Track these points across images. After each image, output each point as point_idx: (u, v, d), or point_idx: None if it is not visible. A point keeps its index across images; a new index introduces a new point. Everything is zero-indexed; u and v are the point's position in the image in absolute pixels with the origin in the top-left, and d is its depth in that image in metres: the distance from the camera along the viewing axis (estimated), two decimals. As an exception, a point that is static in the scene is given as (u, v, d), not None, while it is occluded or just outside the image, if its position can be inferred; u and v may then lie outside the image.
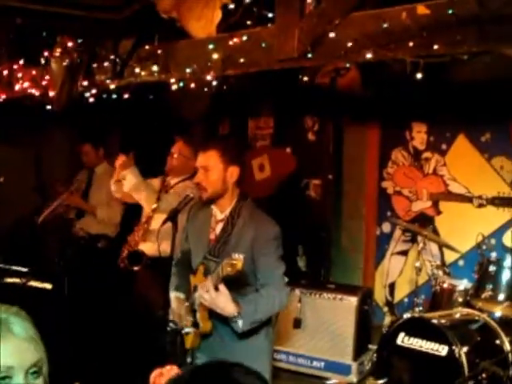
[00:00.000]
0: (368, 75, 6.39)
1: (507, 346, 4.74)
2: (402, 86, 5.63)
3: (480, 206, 6.07)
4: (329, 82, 6.63)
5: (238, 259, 3.20)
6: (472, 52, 3.40)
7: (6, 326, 1.82)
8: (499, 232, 5.89)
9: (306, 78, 4.85)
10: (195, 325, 3.71)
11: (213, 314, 3.60)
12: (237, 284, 3.52)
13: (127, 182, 5.24)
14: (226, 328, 3.59)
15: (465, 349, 4.59)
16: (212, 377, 1.61)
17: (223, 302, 3.40)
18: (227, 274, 3.24)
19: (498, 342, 4.81)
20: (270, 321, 3.81)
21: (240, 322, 3.43)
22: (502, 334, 4.81)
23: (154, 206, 5.28)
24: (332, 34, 3.63)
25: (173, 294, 3.89)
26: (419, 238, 5.68)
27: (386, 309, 6.68)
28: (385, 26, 3.39)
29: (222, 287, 3.37)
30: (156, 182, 5.57)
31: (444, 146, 6.27)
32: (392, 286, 6.66)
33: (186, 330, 3.74)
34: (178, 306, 3.84)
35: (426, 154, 6.39)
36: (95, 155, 6.86)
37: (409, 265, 6.44)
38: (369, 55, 3.53)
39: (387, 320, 6.45)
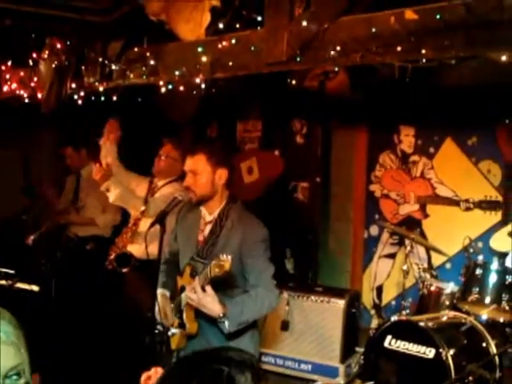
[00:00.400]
0: (356, 79, 6.41)
1: (493, 349, 4.77)
2: (390, 90, 5.68)
3: (467, 209, 6.10)
4: (317, 85, 6.64)
5: (226, 260, 3.21)
6: (459, 57, 3.42)
7: None
8: (486, 235, 5.92)
9: (294, 82, 4.85)
10: (181, 326, 3.72)
11: (199, 315, 3.62)
12: (224, 285, 3.54)
13: (111, 193, 5.26)
14: (212, 329, 3.60)
15: (451, 351, 4.61)
16: (199, 361, 1.64)
17: (210, 302, 3.41)
18: (215, 274, 3.25)
19: (484, 344, 4.84)
20: (256, 323, 3.82)
21: (226, 323, 3.45)
22: (489, 337, 4.84)
23: (143, 208, 5.29)
24: (321, 38, 3.64)
25: (159, 291, 3.91)
26: (407, 241, 5.69)
27: (373, 311, 6.71)
28: (373, 30, 3.41)
29: (208, 288, 3.39)
30: (143, 184, 5.59)
31: (432, 150, 6.30)
32: (379, 289, 6.68)
33: (172, 330, 3.76)
34: (163, 302, 3.86)
35: (414, 158, 6.42)
36: (77, 157, 6.81)
37: (396, 268, 6.46)
38: (357, 59, 3.55)
39: (374, 323, 6.48)
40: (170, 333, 3.78)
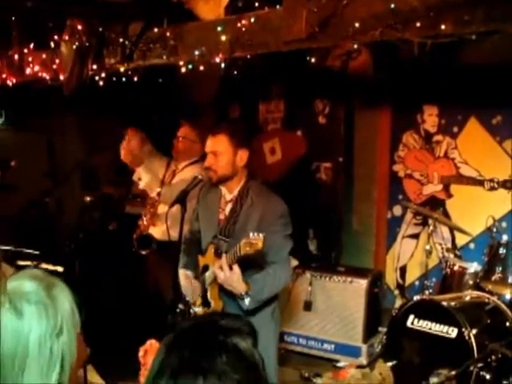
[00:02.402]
0: (379, 58, 6.36)
1: (517, 328, 4.75)
2: (413, 69, 5.63)
3: (491, 189, 6.03)
4: (340, 65, 6.60)
5: (259, 238, 3.23)
6: (480, 32, 3.37)
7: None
8: (510, 215, 5.85)
9: (313, 60, 4.81)
10: (205, 304, 3.75)
11: (222, 293, 3.65)
12: (250, 267, 3.55)
13: (142, 181, 5.40)
14: (233, 305, 3.63)
15: (474, 331, 4.61)
16: (200, 333, 1.62)
17: (236, 281, 3.45)
18: (246, 253, 3.27)
19: (507, 324, 4.83)
20: (276, 299, 3.84)
21: (247, 300, 3.49)
22: (512, 317, 4.82)
23: (158, 189, 5.36)
24: (340, 15, 3.61)
25: (181, 271, 3.94)
26: (430, 221, 5.65)
27: (396, 292, 6.67)
28: (392, 6, 3.36)
29: (235, 267, 3.42)
30: (163, 163, 5.65)
31: (455, 129, 6.23)
32: (403, 269, 6.65)
33: (195, 309, 3.78)
34: (186, 282, 3.89)
35: (437, 137, 6.35)
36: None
37: (420, 248, 6.42)
38: (376, 36, 3.51)
39: (398, 303, 6.44)
40: (192, 311, 3.80)
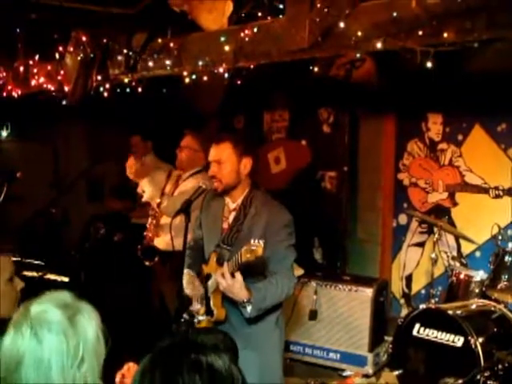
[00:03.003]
0: (383, 67, 6.37)
1: (523, 337, 4.73)
2: (417, 78, 5.62)
3: (496, 196, 6.02)
4: (344, 74, 6.61)
5: (259, 245, 3.22)
6: (482, 39, 3.37)
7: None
8: (516, 223, 5.85)
9: (316, 69, 4.82)
10: (208, 313, 3.75)
11: (225, 301, 3.65)
12: (252, 274, 3.55)
13: (145, 193, 5.43)
14: (236, 314, 3.63)
15: (480, 339, 4.59)
16: (175, 354, 1.64)
17: (237, 288, 3.44)
18: (246, 260, 3.26)
19: (514, 332, 4.81)
20: (280, 308, 3.83)
21: (249, 308, 3.48)
22: (519, 325, 4.81)
23: (158, 201, 5.40)
24: (342, 24, 3.62)
25: (185, 271, 3.93)
26: (435, 230, 5.64)
27: (402, 301, 6.66)
28: (394, 15, 3.38)
29: (238, 275, 3.41)
30: (165, 173, 5.68)
31: (460, 137, 6.22)
32: (409, 278, 6.63)
33: (199, 318, 3.78)
34: (188, 280, 3.88)
35: (442, 145, 6.35)
36: (143, 147, 6.63)
37: (425, 256, 6.40)
38: (379, 45, 3.52)
39: (404, 312, 6.42)
40: (196, 320, 3.80)
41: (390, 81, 6.40)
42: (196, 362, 1.58)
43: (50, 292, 1.90)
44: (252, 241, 3.26)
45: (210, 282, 3.73)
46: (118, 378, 2.50)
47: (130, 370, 2.48)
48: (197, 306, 3.83)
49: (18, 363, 1.71)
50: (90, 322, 1.79)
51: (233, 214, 3.80)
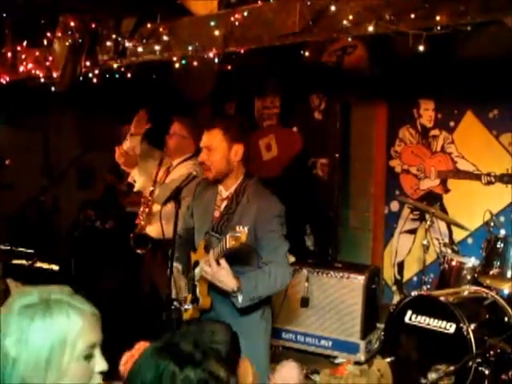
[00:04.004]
0: (375, 53, 6.34)
1: (516, 323, 4.73)
2: (409, 64, 5.59)
3: (488, 183, 6.01)
4: (335, 60, 6.57)
5: (243, 231, 3.19)
6: (476, 23, 3.33)
7: (74, 305, 1.80)
8: (508, 209, 5.84)
9: (308, 54, 4.78)
10: (194, 301, 3.72)
11: (212, 290, 3.61)
12: (239, 262, 3.52)
13: (137, 183, 5.45)
14: (224, 304, 3.60)
15: (472, 326, 4.58)
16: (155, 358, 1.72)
17: (224, 275, 3.40)
18: (231, 246, 3.22)
19: (506, 319, 4.81)
20: (269, 300, 3.80)
21: (240, 298, 3.44)
22: (511, 312, 4.80)
23: (151, 189, 5.36)
24: (333, 8, 3.59)
25: (174, 265, 3.90)
26: (427, 216, 5.62)
27: (394, 288, 6.66)
28: (386, -3, 3.35)
29: (223, 261, 3.38)
30: (156, 161, 5.62)
31: (452, 124, 6.21)
32: (401, 265, 6.63)
33: (186, 306, 3.76)
34: (176, 276, 3.86)
35: (434, 132, 6.33)
36: None
37: (417, 243, 6.40)
38: (370, 28, 3.48)
39: (396, 299, 6.42)
40: (183, 308, 3.77)
41: (381, 67, 6.37)
42: (172, 376, 1.68)
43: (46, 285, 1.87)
44: (237, 227, 3.23)
45: (197, 270, 3.70)
46: (125, 356, 2.48)
47: (139, 349, 2.46)
48: (184, 294, 3.81)
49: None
50: (40, 326, 1.75)
51: (225, 203, 3.76)
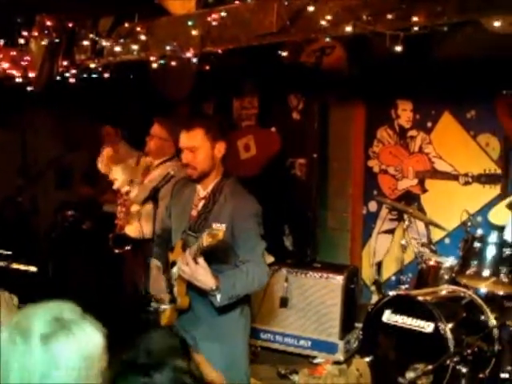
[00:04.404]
0: (354, 54, 6.35)
1: (492, 322, 4.75)
2: (387, 65, 5.61)
3: (466, 183, 6.05)
4: (314, 61, 6.57)
5: (220, 229, 3.19)
6: (452, 23, 3.35)
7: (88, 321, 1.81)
8: (485, 209, 5.86)
9: (285, 54, 4.78)
10: (172, 301, 3.70)
11: (190, 289, 3.60)
12: (216, 260, 3.51)
13: (118, 181, 5.42)
14: (202, 304, 3.59)
15: (450, 325, 4.59)
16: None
17: (202, 274, 3.38)
18: (209, 244, 3.21)
19: (483, 318, 4.82)
20: (247, 298, 3.79)
21: (218, 296, 3.42)
22: (488, 311, 4.82)
23: (127, 188, 5.34)
24: (311, 8, 3.59)
25: (153, 263, 3.89)
26: (405, 216, 5.65)
27: (373, 288, 6.66)
28: (364, -2, 3.36)
29: (201, 260, 3.36)
30: (134, 161, 5.62)
31: (429, 124, 6.24)
32: (379, 265, 6.63)
33: (163, 306, 3.74)
34: (155, 273, 3.84)
35: (412, 132, 6.36)
36: (114, 135, 6.58)
37: (395, 243, 6.42)
38: (348, 29, 3.49)
39: (375, 299, 6.42)
40: (160, 308, 3.76)
41: (359, 68, 6.40)
42: None
43: (58, 301, 1.84)
44: (214, 225, 3.23)
45: (174, 269, 3.68)
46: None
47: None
48: (162, 294, 3.79)
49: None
50: (68, 347, 1.73)
51: (202, 202, 3.75)
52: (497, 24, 3.20)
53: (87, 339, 1.75)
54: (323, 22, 3.54)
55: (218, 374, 3.44)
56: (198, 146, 3.65)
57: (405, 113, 6.39)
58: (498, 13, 3.13)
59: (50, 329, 1.73)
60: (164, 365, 1.73)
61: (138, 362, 1.76)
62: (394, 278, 6.47)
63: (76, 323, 1.76)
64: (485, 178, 5.95)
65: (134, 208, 5.31)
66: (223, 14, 4.02)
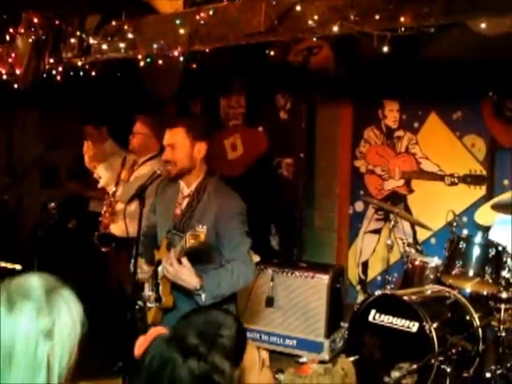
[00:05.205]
0: (341, 54, 6.37)
1: (477, 322, 4.78)
2: (374, 65, 5.63)
3: (452, 184, 6.08)
4: (301, 60, 6.59)
5: (201, 230, 3.19)
6: (439, 25, 3.37)
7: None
8: (471, 210, 5.89)
9: (272, 53, 4.79)
10: (158, 300, 3.71)
11: (175, 289, 3.60)
12: (200, 260, 3.51)
13: (102, 179, 5.41)
14: (188, 303, 3.58)
15: (435, 325, 4.62)
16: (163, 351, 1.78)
17: (186, 274, 3.39)
18: (191, 245, 3.22)
19: (467, 317, 4.85)
20: (233, 297, 3.79)
21: (203, 296, 3.42)
22: (472, 310, 4.86)
23: (113, 189, 5.34)
24: (298, 8, 3.60)
25: (139, 261, 3.89)
26: (391, 216, 5.67)
27: (359, 287, 6.70)
28: (351, -2, 3.37)
29: (184, 260, 3.37)
30: (120, 159, 5.61)
31: (416, 125, 6.27)
32: (365, 265, 6.67)
33: (149, 305, 3.75)
34: (139, 265, 3.85)
35: (398, 133, 6.38)
36: (98, 135, 6.49)
37: (382, 243, 6.44)
38: (335, 29, 3.50)
39: (360, 298, 6.46)
40: (146, 307, 3.77)
41: (347, 68, 6.41)
42: (174, 372, 1.74)
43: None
44: (196, 226, 3.23)
45: (160, 268, 3.69)
46: (138, 342, 2.46)
47: (152, 334, 2.45)
48: (148, 293, 3.79)
49: None
50: (66, 304, 1.74)
51: (186, 200, 3.76)
52: (483, 26, 3.22)
53: (73, 302, 1.76)
54: (311, 22, 3.55)
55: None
56: (178, 144, 3.69)
57: (392, 113, 6.41)
58: (484, 15, 3.15)
59: (46, 287, 1.73)
60: (206, 356, 1.76)
61: (186, 340, 1.80)
62: (379, 277, 6.49)
63: (62, 287, 1.77)
64: (470, 179, 5.98)
65: (120, 207, 5.29)
66: (211, 12, 4.03)
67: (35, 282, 1.73)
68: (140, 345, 2.46)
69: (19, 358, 1.65)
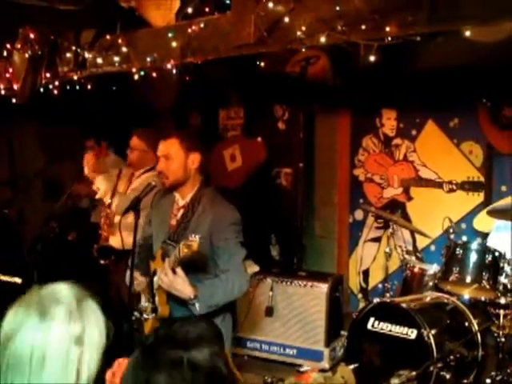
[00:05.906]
0: (338, 64, 6.39)
1: (475, 328, 4.78)
2: (371, 74, 5.65)
3: (450, 191, 6.10)
4: (299, 70, 6.61)
5: (194, 240, 3.21)
6: (424, 33, 3.40)
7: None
8: (469, 216, 5.92)
9: (263, 64, 4.82)
10: (154, 310, 3.73)
11: (170, 298, 3.62)
12: (195, 270, 3.54)
13: (100, 190, 5.42)
14: (182, 313, 3.60)
15: (433, 332, 4.62)
16: (158, 352, 1.75)
17: (180, 284, 3.42)
18: (184, 255, 3.25)
19: (466, 324, 4.86)
20: (230, 307, 3.81)
21: (197, 305, 3.45)
22: (471, 316, 4.86)
23: (109, 200, 5.36)
24: (287, 19, 3.64)
25: (134, 274, 3.91)
26: (391, 224, 5.68)
27: (360, 295, 6.71)
28: (338, 9, 3.40)
29: (179, 270, 3.40)
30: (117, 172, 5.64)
31: (414, 132, 6.29)
32: (366, 273, 6.68)
33: (145, 315, 3.77)
34: (137, 281, 3.87)
35: (396, 141, 6.41)
36: (99, 149, 6.59)
37: (382, 251, 6.43)
38: (323, 39, 3.54)
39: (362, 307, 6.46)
40: (142, 318, 3.79)
41: (344, 77, 6.44)
42: (176, 359, 1.69)
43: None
44: (190, 236, 3.26)
45: (156, 279, 3.71)
46: (108, 375, 2.48)
47: (120, 366, 2.46)
48: (145, 304, 3.82)
49: (13, 335, 1.72)
50: (94, 315, 1.79)
51: (181, 211, 3.79)
52: (467, 34, 3.25)
53: (99, 311, 1.83)
54: (299, 33, 3.59)
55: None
56: (172, 156, 3.72)
57: (389, 121, 6.44)
58: (467, 23, 3.18)
59: (76, 295, 1.81)
60: (202, 345, 1.75)
61: (176, 337, 1.78)
62: (380, 285, 6.50)
63: (87, 296, 1.85)
64: (468, 186, 6.00)
65: (117, 219, 5.32)
66: (202, 25, 4.08)
67: (65, 290, 1.80)
68: (109, 379, 2.49)
69: (52, 361, 1.71)
